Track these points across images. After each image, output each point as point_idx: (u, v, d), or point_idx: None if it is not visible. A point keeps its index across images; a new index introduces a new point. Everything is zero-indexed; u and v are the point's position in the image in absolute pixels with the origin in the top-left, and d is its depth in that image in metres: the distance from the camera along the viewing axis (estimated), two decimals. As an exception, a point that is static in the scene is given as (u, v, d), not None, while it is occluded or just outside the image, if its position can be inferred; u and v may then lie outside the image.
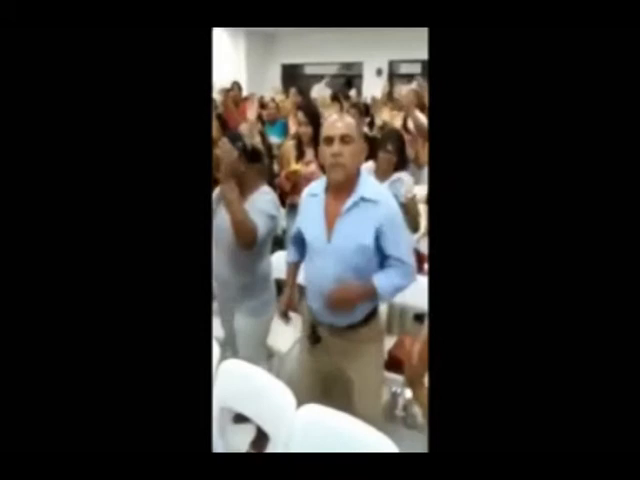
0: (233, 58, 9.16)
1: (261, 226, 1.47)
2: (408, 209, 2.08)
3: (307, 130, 2.47)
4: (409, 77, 7.57)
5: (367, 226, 1.25)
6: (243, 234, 1.44)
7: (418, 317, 2.66)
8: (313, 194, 1.39)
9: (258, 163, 1.60)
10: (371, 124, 4.01)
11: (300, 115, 2.59)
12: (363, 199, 1.26)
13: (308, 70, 9.77)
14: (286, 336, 2.03)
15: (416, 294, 1.59)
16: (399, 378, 1.76)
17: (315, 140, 2.43)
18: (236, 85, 4.62)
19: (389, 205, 1.30)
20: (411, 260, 1.33)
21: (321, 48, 8.97)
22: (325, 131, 1.28)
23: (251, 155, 1.56)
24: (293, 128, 3.36)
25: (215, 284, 1.70)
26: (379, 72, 8.60)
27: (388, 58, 8.45)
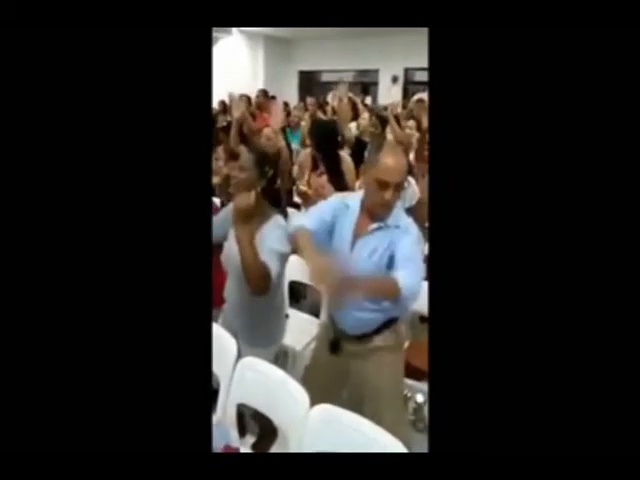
0: (251, 64, 9.24)
1: (274, 268, 1.33)
2: (417, 213, 2.04)
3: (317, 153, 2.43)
4: (424, 84, 7.54)
5: (386, 243, 1.29)
6: (255, 280, 1.31)
7: (423, 319, 2.62)
8: (347, 205, 1.39)
9: (274, 186, 1.48)
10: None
11: (309, 141, 2.54)
12: (389, 225, 1.30)
13: (325, 77, 9.79)
14: (301, 334, 2.04)
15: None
16: (410, 382, 1.76)
17: (328, 161, 2.38)
18: (262, 92, 4.63)
19: (408, 227, 1.32)
20: (421, 262, 1.28)
21: (337, 55, 8.97)
22: (381, 173, 1.22)
23: (270, 178, 1.43)
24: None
25: (224, 310, 1.64)
26: (395, 79, 8.56)
27: (404, 66, 8.41)
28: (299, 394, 1.21)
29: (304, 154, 2.68)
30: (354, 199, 1.39)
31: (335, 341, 1.46)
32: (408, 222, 1.34)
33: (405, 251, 1.24)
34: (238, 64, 8.83)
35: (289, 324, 2.16)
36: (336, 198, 1.46)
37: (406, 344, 1.81)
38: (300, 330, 2.06)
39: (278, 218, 1.44)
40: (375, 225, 1.30)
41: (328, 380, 1.51)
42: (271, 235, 1.39)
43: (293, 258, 2.17)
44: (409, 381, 1.75)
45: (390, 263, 1.28)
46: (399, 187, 1.25)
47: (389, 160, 1.23)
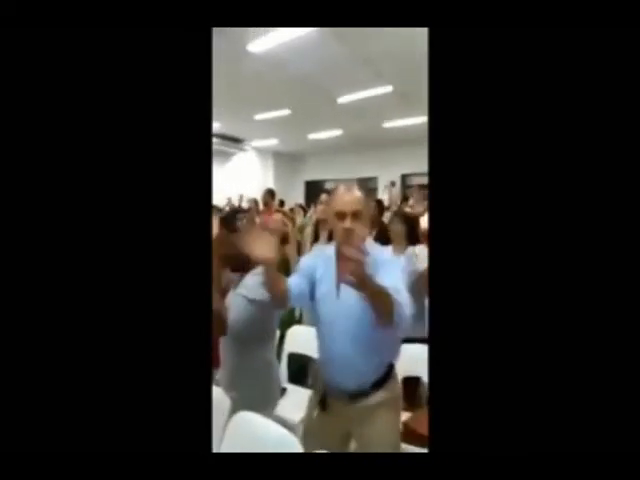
0: (263, 176, 9.87)
1: (236, 313, 1.41)
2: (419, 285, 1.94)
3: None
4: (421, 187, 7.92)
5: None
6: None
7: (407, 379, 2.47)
8: (326, 253, 1.37)
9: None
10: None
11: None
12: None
13: (328, 186, 10.34)
14: (300, 409, 1.84)
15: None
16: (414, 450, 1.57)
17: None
18: (268, 191, 4.86)
19: (385, 256, 1.31)
20: (406, 292, 1.20)
21: (340, 166, 9.60)
22: (336, 205, 1.26)
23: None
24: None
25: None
26: (393, 184, 8.99)
27: (400, 172, 8.92)
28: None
29: (309, 229, 3.00)
30: (331, 248, 1.36)
31: (324, 397, 1.35)
32: (384, 252, 1.33)
33: (388, 281, 1.14)
34: (251, 176, 9.49)
35: (288, 398, 2.01)
36: (316, 249, 1.52)
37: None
38: (299, 404, 1.89)
39: (259, 268, 1.44)
40: None
41: (325, 445, 1.33)
42: (248, 281, 1.46)
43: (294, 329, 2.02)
44: (407, 447, 1.57)
45: None
46: (357, 216, 1.24)
47: (341, 192, 1.28)
